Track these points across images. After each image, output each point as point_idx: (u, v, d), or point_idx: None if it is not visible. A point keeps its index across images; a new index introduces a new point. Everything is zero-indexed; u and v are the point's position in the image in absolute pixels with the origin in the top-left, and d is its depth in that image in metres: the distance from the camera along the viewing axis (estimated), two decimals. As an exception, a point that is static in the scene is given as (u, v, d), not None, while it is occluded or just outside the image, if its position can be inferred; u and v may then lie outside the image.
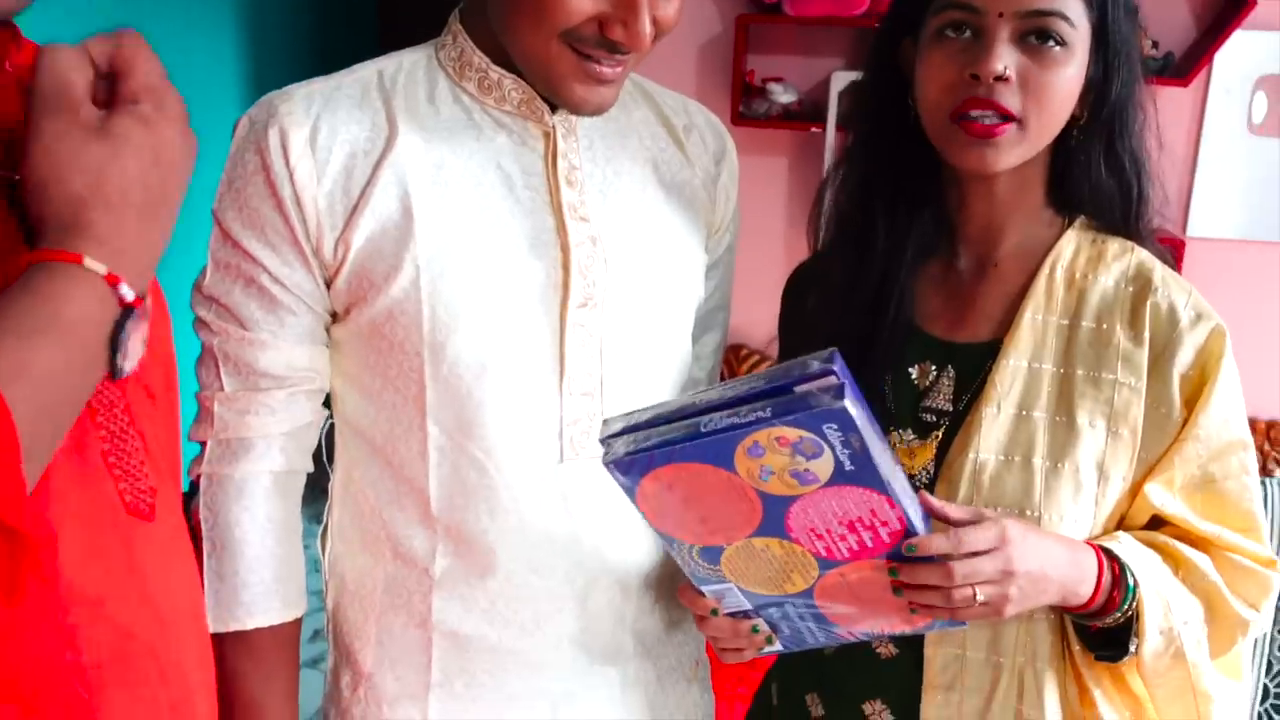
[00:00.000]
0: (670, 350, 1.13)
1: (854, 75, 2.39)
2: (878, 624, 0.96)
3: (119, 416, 0.76)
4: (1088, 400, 1.01)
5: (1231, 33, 2.24)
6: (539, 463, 1.04)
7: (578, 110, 1.00)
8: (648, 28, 0.93)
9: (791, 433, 0.80)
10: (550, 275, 1.03)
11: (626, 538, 1.09)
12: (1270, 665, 2.19)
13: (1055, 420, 1.01)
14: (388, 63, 1.05)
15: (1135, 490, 1.02)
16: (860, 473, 0.82)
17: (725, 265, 1.24)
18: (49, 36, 0.71)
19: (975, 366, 1.05)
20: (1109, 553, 0.98)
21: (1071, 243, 1.07)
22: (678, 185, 1.13)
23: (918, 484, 1.04)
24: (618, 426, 0.87)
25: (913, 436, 1.06)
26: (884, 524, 0.86)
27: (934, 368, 1.07)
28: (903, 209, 1.08)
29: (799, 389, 0.79)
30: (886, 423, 1.07)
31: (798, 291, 1.21)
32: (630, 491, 0.88)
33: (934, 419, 1.06)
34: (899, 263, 1.08)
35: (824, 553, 0.90)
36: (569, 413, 1.04)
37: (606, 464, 0.87)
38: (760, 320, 2.67)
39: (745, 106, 2.46)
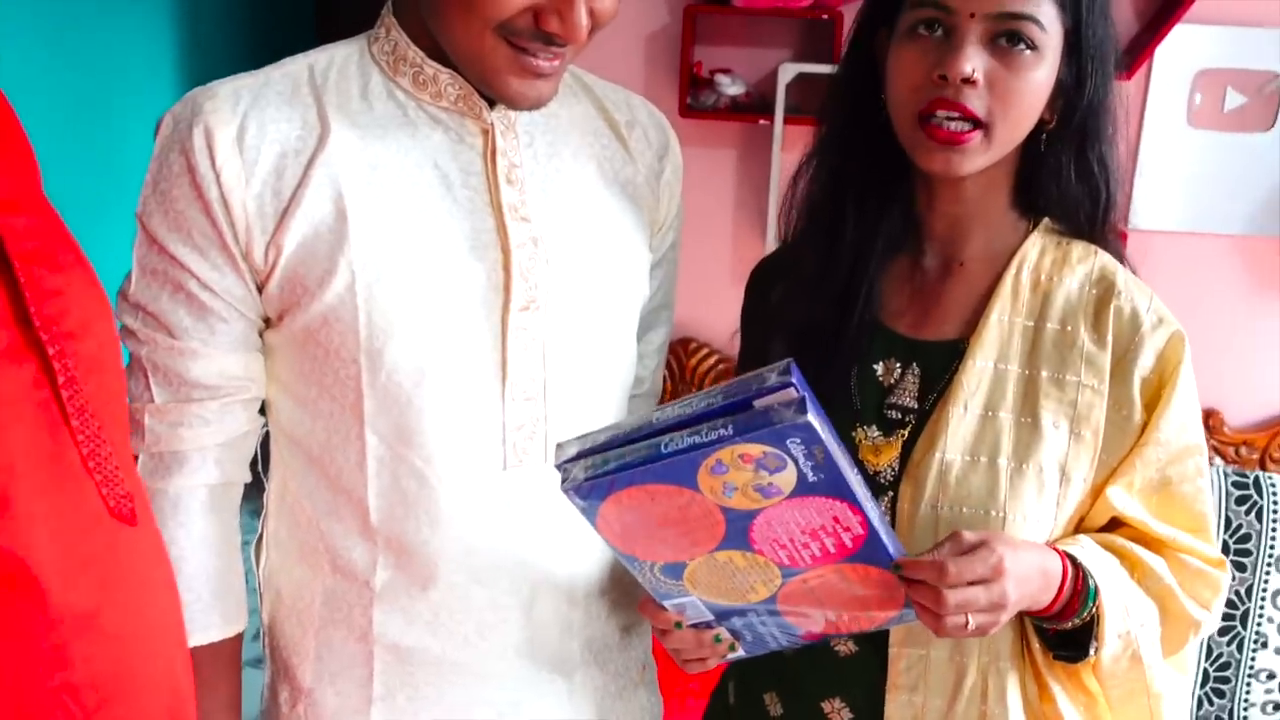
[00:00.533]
0: (615, 352, 1.10)
1: (802, 67, 2.38)
2: (841, 624, 0.96)
3: (91, 421, 0.74)
4: (1051, 401, 1.01)
5: (1172, 27, 2.26)
6: (481, 470, 1.01)
7: (515, 105, 0.96)
8: (584, 19, 0.91)
9: (754, 449, 0.79)
10: (491, 278, 0.99)
11: (573, 544, 1.07)
12: (1210, 650, 2.23)
13: (1020, 421, 1.01)
14: (318, 57, 1.00)
15: (1096, 492, 1.03)
16: (823, 482, 0.81)
17: (669, 262, 1.22)
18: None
19: (941, 365, 1.05)
20: (1071, 558, 0.97)
21: (1037, 245, 1.06)
22: (620, 182, 1.10)
23: (883, 481, 1.04)
24: (573, 450, 0.85)
25: (877, 434, 1.05)
26: (846, 529, 0.85)
27: (899, 365, 1.07)
28: (872, 204, 1.07)
29: (758, 403, 0.78)
30: (851, 418, 1.06)
31: (763, 283, 1.19)
32: (590, 515, 0.86)
33: (899, 416, 1.05)
34: (867, 257, 1.07)
35: (787, 561, 0.88)
36: (512, 419, 1.01)
37: (565, 490, 0.84)
38: (710, 313, 2.67)
39: (693, 98, 2.44)
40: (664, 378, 2.62)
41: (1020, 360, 1.03)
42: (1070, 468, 1.01)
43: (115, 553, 0.75)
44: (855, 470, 0.85)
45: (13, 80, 2.07)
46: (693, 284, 2.63)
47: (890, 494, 1.03)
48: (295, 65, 0.99)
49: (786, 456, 0.79)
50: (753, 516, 0.84)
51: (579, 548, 1.07)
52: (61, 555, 0.69)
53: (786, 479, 0.81)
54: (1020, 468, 1.00)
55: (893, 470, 1.03)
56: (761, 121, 2.44)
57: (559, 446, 0.87)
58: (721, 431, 0.78)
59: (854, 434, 1.06)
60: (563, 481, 0.85)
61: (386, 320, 0.96)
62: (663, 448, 0.80)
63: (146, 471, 1.01)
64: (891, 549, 0.89)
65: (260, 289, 0.98)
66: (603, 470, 0.82)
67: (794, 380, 0.78)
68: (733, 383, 0.81)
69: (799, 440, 0.78)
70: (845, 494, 0.82)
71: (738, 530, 0.85)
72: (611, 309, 1.09)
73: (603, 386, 1.10)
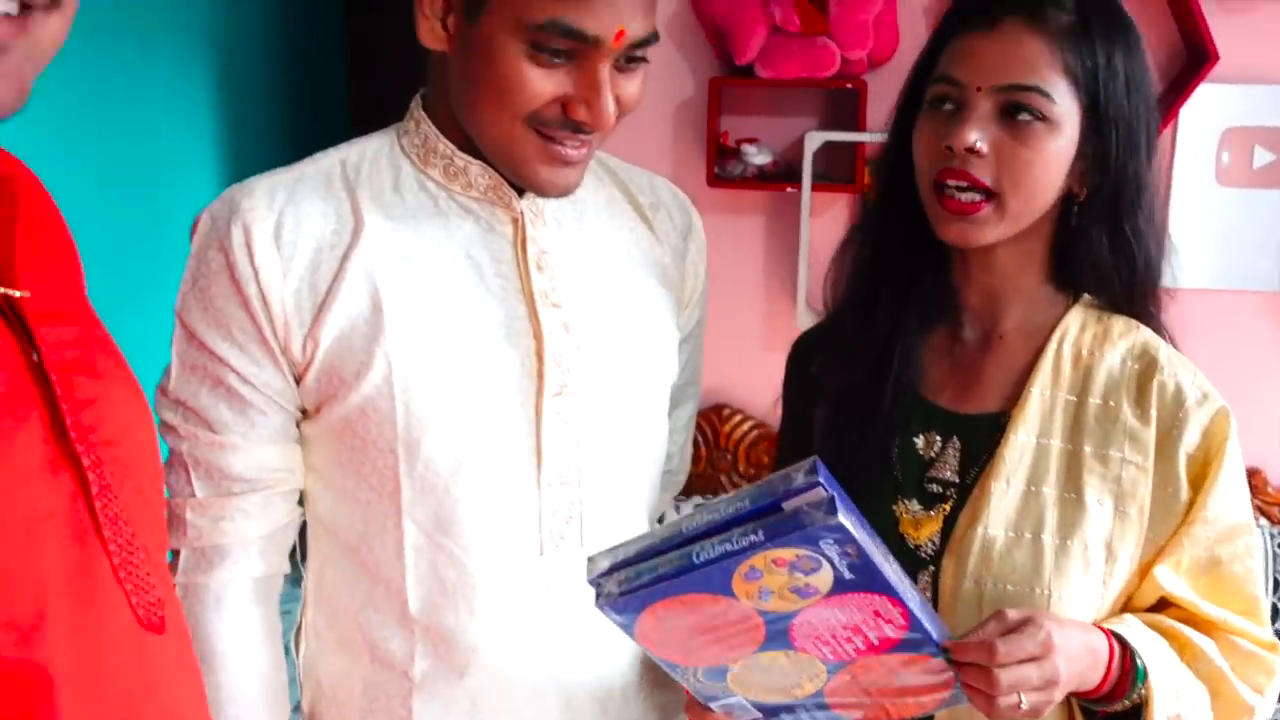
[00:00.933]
0: (647, 432, 1.11)
1: (828, 135, 2.41)
2: (891, 711, 0.94)
3: (124, 529, 0.73)
4: (1095, 477, 1.00)
5: (1196, 87, 2.27)
6: (519, 557, 1.01)
7: (544, 193, 0.98)
8: (611, 108, 0.93)
9: (788, 553, 0.78)
10: (524, 365, 1.00)
11: (612, 629, 1.07)
12: None
13: (1064, 497, 1.00)
14: (350, 151, 1.03)
15: (1143, 571, 1.01)
16: (861, 579, 0.80)
17: (695, 339, 1.23)
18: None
19: (982, 439, 1.04)
20: (1119, 637, 0.96)
21: (1077, 319, 1.06)
22: (648, 264, 1.12)
23: (924, 555, 1.03)
24: (605, 565, 0.85)
25: (918, 507, 1.05)
26: (888, 621, 0.84)
27: (939, 438, 1.06)
28: (908, 276, 1.08)
29: (787, 505, 0.78)
30: (892, 491, 1.06)
31: (805, 356, 1.20)
32: (628, 628, 0.86)
33: (940, 490, 1.05)
34: (903, 326, 1.08)
35: (831, 657, 0.87)
36: (548, 504, 1.02)
37: (600, 606, 0.84)
38: (743, 379, 2.68)
39: (720, 168, 2.47)
40: (699, 445, 2.63)
41: (1063, 435, 1.02)
42: (1116, 545, 0.99)
43: (144, 664, 0.74)
44: (892, 560, 0.84)
45: (55, 171, 2.14)
46: (725, 351, 2.64)
47: (932, 569, 1.02)
48: (328, 160, 1.01)
49: (821, 557, 0.79)
50: (792, 617, 0.83)
51: (617, 633, 1.07)
52: (88, 668, 0.68)
53: (823, 579, 0.80)
54: (1065, 544, 0.99)
55: (934, 545, 1.03)
56: (789, 189, 2.46)
57: (590, 560, 0.86)
58: (753, 538, 0.78)
59: (894, 507, 1.05)
60: (597, 598, 0.84)
61: (423, 411, 0.97)
62: (695, 557, 0.80)
63: (189, 566, 1.01)
64: (936, 633, 0.87)
65: (298, 381, 0.99)
66: (636, 584, 0.82)
67: (821, 479, 0.77)
68: (760, 484, 0.80)
69: (832, 540, 0.77)
70: (884, 588, 0.82)
71: (778, 631, 0.85)
72: (643, 390, 1.10)
73: (636, 467, 1.10)
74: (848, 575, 0.80)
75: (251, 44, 3.36)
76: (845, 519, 0.76)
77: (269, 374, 0.98)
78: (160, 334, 1.04)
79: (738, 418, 2.65)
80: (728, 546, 0.79)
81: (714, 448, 2.67)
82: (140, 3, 2.67)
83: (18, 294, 0.69)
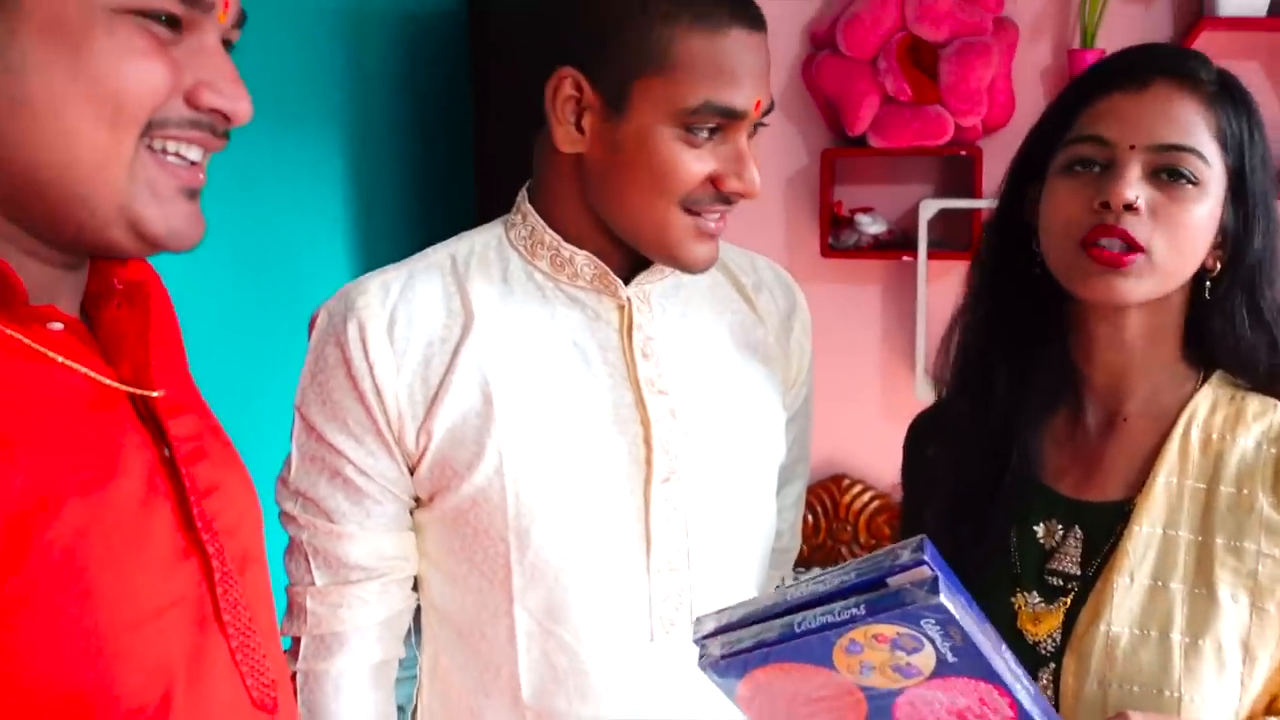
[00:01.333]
0: (756, 515, 1.10)
1: (943, 203, 2.39)
2: None
3: (242, 613, 0.77)
4: (1229, 572, 0.94)
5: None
6: (630, 643, 1.01)
7: (693, 269, 1.01)
8: (756, 174, 0.97)
9: (888, 629, 0.77)
10: (632, 451, 1.01)
11: (723, 714, 1.06)
12: None
13: (1194, 592, 0.94)
14: (459, 245, 1.06)
15: None
16: (964, 663, 0.78)
17: (803, 417, 1.22)
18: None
19: (1105, 528, 0.99)
20: None
21: (1207, 400, 1.00)
22: (752, 345, 1.12)
23: (1043, 652, 0.98)
24: (710, 626, 0.85)
25: (1038, 600, 1.00)
26: (994, 710, 0.81)
27: (1060, 527, 1.02)
28: (1026, 357, 1.05)
29: (891, 582, 0.77)
30: (1011, 583, 1.01)
31: (919, 440, 1.16)
32: (728, 691, 0.85)
33: (1061, 583, 1.00)
34: (1021, 413, 1.04)
35: None
36: (657, 590, 1.02)
37: (702, 667, 0.84)
38: (862, 450, 2.64)
39: (834, 238, 2.47)
40: (819, 516, 2.59)
41: (1192, 526, 0.96)
42: (1255, 644, 0.93)
43: None
44: (1004, 650, 0.81)
45: (196, 256, 2.25)
46: (844, 421, 2.61)
47: (1053, 666, 0.97)
48: (439, 254, 1.05)
49: (923, 637, 0.77)
50: (895, 695, 0.81)
51: (730, 716, 1.06)
52: None
53: (925, 660, 0.78)
54: (1195, 644, 0.93)
55: (1054, 641, 0.98)
56: (905, 258, 2.45)
57: (697, 621, 0.87)
58: (854, 611, 0.77)
59: (1013, 599, 1.01)
60: (700, 658, 0.84)
61: (533, 500, 0.99)
62: (796, 626, 0.79)
63: (309, 653, 1.04)
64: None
65: (412, 472, 1.02)
66: (738, 648, 0.82)
67: (926, 558, 0.76)
68: (866, 559, 0.80)
69: (934, 621, 0.76)
70: (989, 675, 0.79)
71: (880, 708, 0.83)
72: (750, 473, 1.09)
73: (745, 550, 1.09)
74: (951, 658, 0.78)
75: (382, 131, 3.51)
76: (947, 599, 0.74)
77: (384, 465, 1.01)
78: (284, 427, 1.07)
79: (857, 488, 2.61)
80: (829, 618, 0.78)
81: (833, 519, 2.63)
82: (276, 92, 2.82)
83: (155, 394, 0.74)
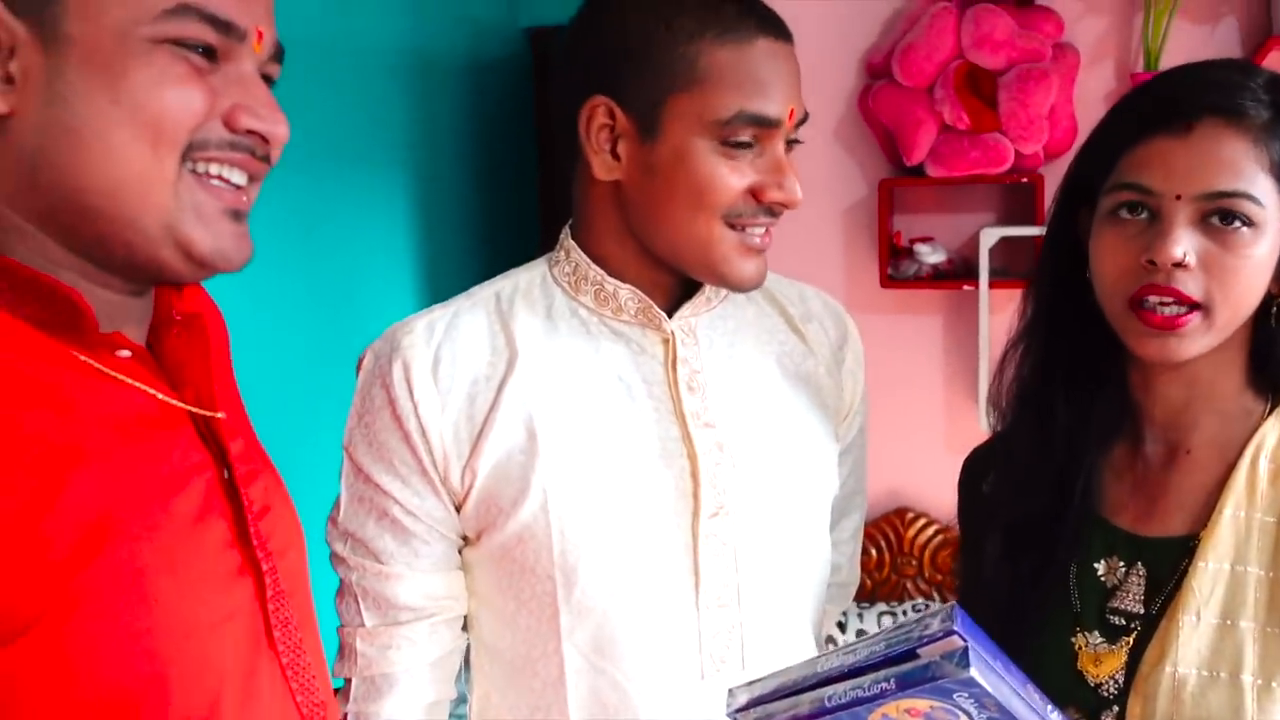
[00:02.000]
0: (807, 549, 1.09)
1: (1004, 231, 2.35)
2: None
3: (294, 633, 0.79)
4: None
5: None
6: (680, 681, 1.00)
7: (742, 286, 1.00)
8: (797, 183, 0.96)
9: (922, 703, 0.75)
10: (679, 486, 1.00)
11: None
12: None
13: (1266, 632, 0.90)
14: (504, 283, 1.06)
15: None
16: None
17: (858, 448, 1.20)
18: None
19: (1169, 565, 0.96)
20: None
21: (1275, 429, 0.96)
22: (801, 377, 1.10)
23: (1105, 694, 0.95)
24: (743, 700, 0.84)
25: (1100, 640, 0.97)
26: None
27: (1122, 564, 0.99)
28: (1085, 388, 1.02)
29: (923, 653, 0.75)
30: (1071, 622, 0.98)
31: (975, 474, 1.13)
32: None
33: (1123, 622, 0.97)
34: (1083, 446, 1.01)
35: None
36: (707, 626, 1.00)
37: None
38: (925, 482, 2.60)
39: (894, 268, 2.45)
40: (882, 550, 2.55)
41: (1261, 561, 0.92)
42: None
43: None
44: (1048, 706, 0.79)
45: (268, 292, 2.30)
46: (906, 453, 2.57)
47: (1116, 709, 0.94)
48: (484, 293, 1.06)
49: (957, 709, 0.75)
50: None
51: None
52: None
53: None
54: (1269, 686, 0.89)
55: (1116, 683, 0.95)
56: (966, 287, 2.41)
57: (730, 693, 0.85)
58: (884, 685, 0.75)
59: (1073, 639, 0.98)
60: None
61: (579, 536, 0.99)
62: (827, 701, 0.78)
63: (359, 695, 1.04)
64: None
65: (458, 510, 1.02)
66: None
67: (957, 628, 0.74)
68: (897, 629, 0.78)
69: (967, 694, 0.74)
70: None
71: None
72: (801, 507, 1.08)
73: (797, 585, 1.08)
74: None
75: (448, 173, 3.57)
76: (978, 673, 0.72)
77: (431, 504, 1.01)
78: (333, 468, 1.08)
79: (920, 521, 2.56)
80: (859, 693, 0.76)
81: (897, 553, 2.58)
82: (344, 135, 2.88)
83: (218, 415, 0.78)
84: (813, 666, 0.81)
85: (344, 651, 1.05)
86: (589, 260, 1.03)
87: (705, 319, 1.06)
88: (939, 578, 2.53)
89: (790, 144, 1.00)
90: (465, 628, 1.10)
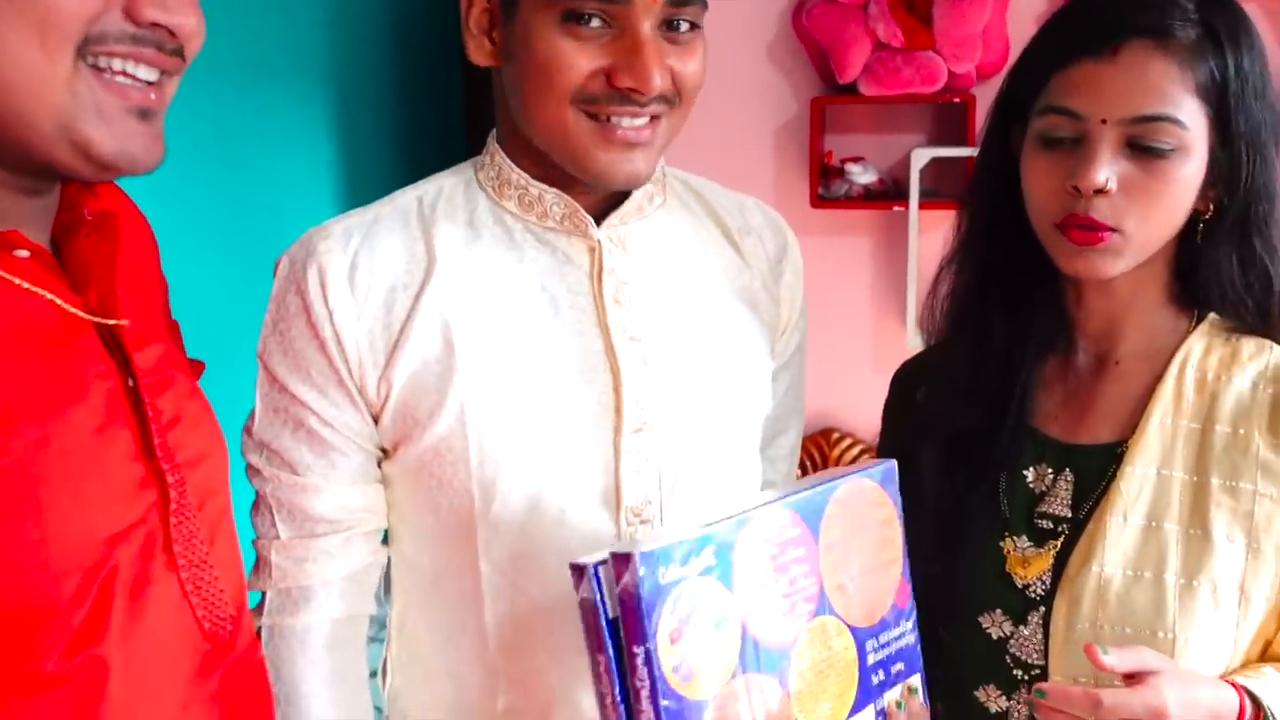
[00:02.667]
0: (734, 468, 1.07)
1: (936, 151, 2.35)
2: None
3: (197, 547, 0.77)
4: (1224, 512, 0.92)
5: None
6: None
7: (605, 181, 0.94)
8: (654, 67, 0.89)
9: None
10: (601, 401, 0.97)
11: None
12: None
13: (1189, 533, 0.93)
14: (427, 188, 1.02)
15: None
16: None
17: (796, 365, 1.18)
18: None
19: (1096, 471, 0.98)
20: (1252, 695, 0.88)
21: (1201, 340, 0.99)
22: (736, 291, 1.07)
23: (1033, 595, 0.97)
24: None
25: (1028, 544, 0.99)
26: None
27: (1051, 471, 1.00)
28: (1021, 303, 1.02)
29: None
30: (1000, 527, 1.00)
31: (908, 385, 1.14)
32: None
33: (1051, 525, 0.98)
34: (1020, 360, 1.02)
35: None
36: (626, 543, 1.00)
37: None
38: (852, 403, 2.62)
39: (824, 188, 2.43)
40: (808, 469, 2.58)
41: (1186, 466, 0.95)
42: (1249, 585, 0.92)
43: (203, 672, 0.76)
44: None
45: (179, 210, 2.22)
46: (833, 374, 2.59)
47: (1042, 609, 0.96)
48: (405, 198, 1.01)
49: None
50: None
51: None
52: (143, 670, 0.71)
53: None
54: (1190, 584, 0.92)
55: (1044, 584, 0.97)
56: (896, 208, 2.41)
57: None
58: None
59: (1002, 544, 1.00)
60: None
61: (497, 450, 0.96)
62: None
63: (274, 608, 1.01)
64: None
65: (375, 421, 0.99)
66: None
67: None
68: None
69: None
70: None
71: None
72: (729, 425, 1.05)
73: (721, 504, 1.07)
74: None
75: (368, 81, 3.46)
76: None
77: (348, 416, 0.98)
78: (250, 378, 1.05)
79: (846, 441, 2.59)
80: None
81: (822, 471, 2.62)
82: (258, 46, 2.77)
83: (120, 323, 0.74)
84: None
85: (259, 564, 1.02)
86: (512, 163, 0.99)
87: (637, 228, 1.02)
88: (864, 497, 2.57)
89: (682, 28, 0.92)
90: (386, 542, 1.07)
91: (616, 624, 0.76)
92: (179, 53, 0.71)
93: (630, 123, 0.92)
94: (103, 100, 0.67)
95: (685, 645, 0.77)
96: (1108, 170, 0.90)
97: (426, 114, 3.82)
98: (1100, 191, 0.90)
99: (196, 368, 1.09)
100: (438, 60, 3.85)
